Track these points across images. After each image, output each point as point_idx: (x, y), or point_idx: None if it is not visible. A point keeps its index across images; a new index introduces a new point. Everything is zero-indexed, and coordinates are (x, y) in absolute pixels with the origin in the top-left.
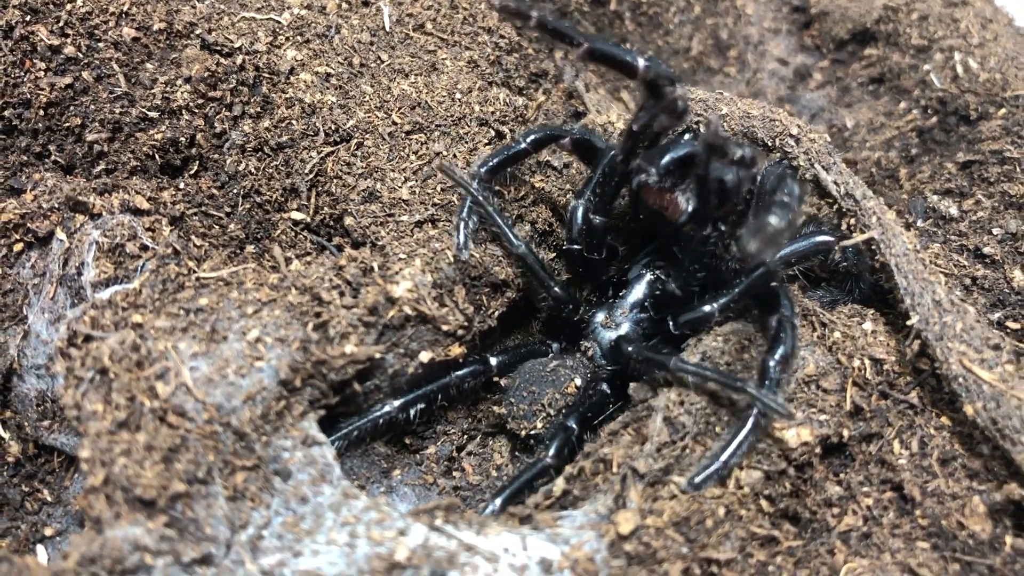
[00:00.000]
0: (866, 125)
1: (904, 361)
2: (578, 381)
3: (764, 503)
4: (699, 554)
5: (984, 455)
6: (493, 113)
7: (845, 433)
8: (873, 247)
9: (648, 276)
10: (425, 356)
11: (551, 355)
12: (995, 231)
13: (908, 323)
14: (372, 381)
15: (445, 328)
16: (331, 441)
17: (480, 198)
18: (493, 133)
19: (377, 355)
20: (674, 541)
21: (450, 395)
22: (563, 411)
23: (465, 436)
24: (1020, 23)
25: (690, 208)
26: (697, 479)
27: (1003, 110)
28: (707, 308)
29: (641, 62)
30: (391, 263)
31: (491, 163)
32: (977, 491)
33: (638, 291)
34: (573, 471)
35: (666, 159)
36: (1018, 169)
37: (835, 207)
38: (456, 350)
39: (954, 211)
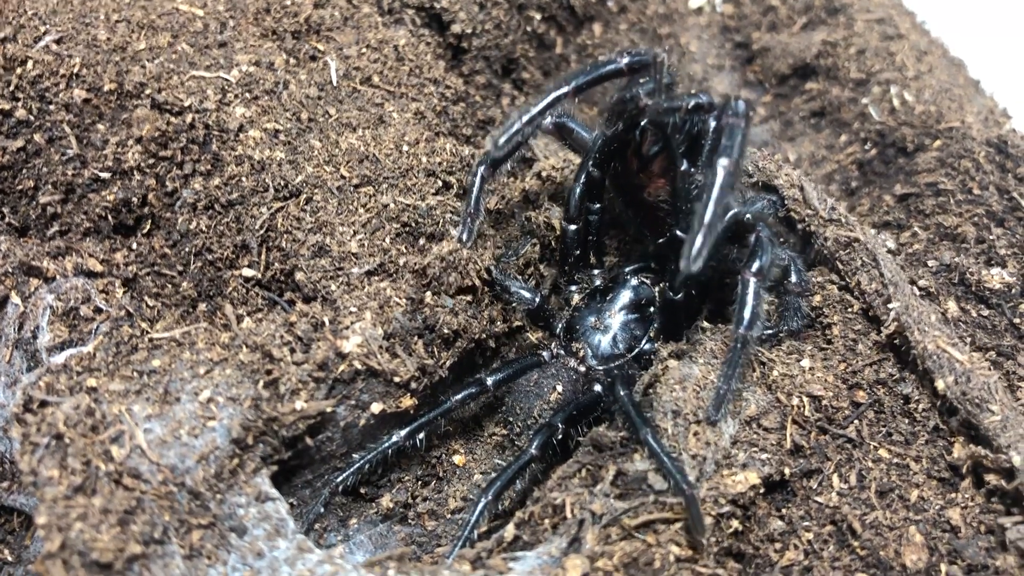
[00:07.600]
0: (808, 158)
1: (841, 396)
2: (559, 387)
3: (709, 542)
4: None
5: (919, 484)
6: (440, 164)
7: (786, 471)
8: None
9: (633, 281)
10: (376, 408)
11: (543, 364)
12: (930, 263)
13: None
14: (324, 434)
15: (396, 380)
16: (344, 476)
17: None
18: (440, 183)
19: (328, 409)
20: None
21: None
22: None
23: (419, 483)
24: (954, 53)
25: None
26: (711, 411)
27: (938, 142)
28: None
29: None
30: (341, 317)
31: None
32: (914, 521)
33: (625, 295)
34: (523, 516)
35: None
36: (952, 201)
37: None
38: (407, 401)
39: (891, 244)
